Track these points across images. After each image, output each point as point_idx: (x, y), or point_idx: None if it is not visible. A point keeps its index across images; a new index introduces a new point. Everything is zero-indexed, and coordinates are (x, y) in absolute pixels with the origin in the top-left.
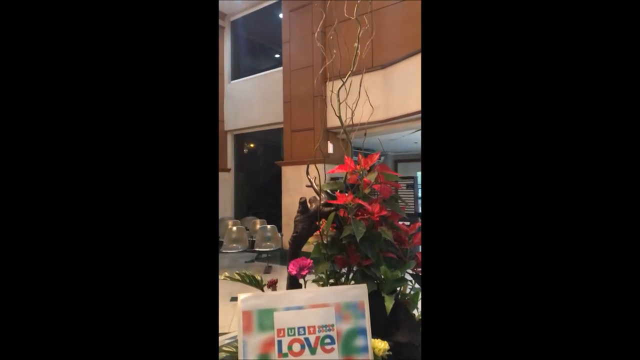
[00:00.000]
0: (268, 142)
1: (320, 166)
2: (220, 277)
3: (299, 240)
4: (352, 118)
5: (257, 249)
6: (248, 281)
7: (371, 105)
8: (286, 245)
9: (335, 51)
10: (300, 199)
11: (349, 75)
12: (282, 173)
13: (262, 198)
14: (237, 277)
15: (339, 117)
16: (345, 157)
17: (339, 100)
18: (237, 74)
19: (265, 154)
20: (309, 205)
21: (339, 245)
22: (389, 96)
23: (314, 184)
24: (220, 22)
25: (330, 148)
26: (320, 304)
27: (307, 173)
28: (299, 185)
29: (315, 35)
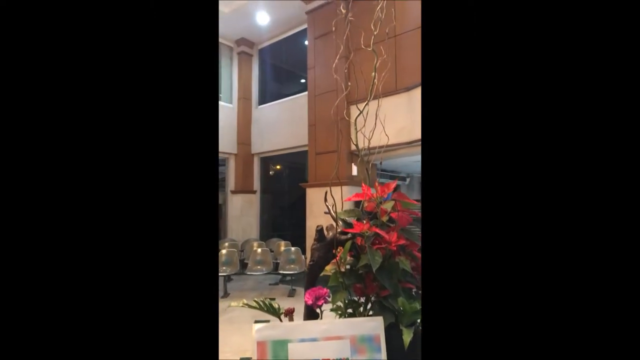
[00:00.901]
0: (293, 163)
1: (345, 188)
2: (239, 303)
3: (315, 268)
4: (369, 145)
5: (281, 272)
6: (266, 309)
7: (386, 134)
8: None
9: (351, 80)
10: (317, 227)
11: (366, 105)
12: (306, 195)
13: (286, 219)
14: (255, 304)
15: (356, 145)
16: (362, 185)
17: (356, 129)
18: (264, 99)
19: (291, 176)
20: (325, 233)
21: (356, 274)
22: (413, 118)
23: (331, 211)
24: (248, 50)
25: (354, 170)
26: (336, 337)
27: (325, 200)
28: (323, 207)
29: (336, 62)
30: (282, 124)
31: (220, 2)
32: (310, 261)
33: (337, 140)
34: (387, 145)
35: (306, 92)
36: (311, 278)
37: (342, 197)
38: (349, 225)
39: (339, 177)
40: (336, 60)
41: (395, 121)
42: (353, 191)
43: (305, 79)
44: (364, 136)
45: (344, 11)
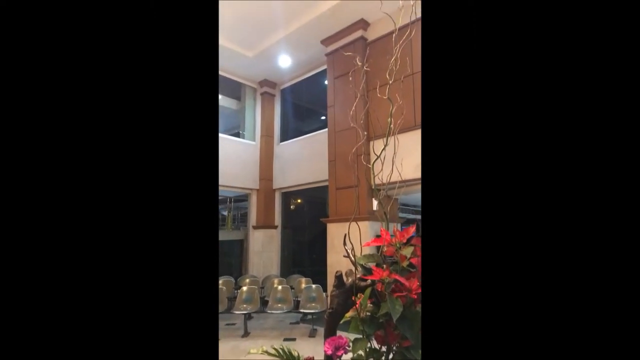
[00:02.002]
0: (314, 198)
1: (366, 223)
2: (259, 350)
3: (335, 316)
4: (389, 179)
5: (302, 310)
6: (285, 357)
7: (400, 173)
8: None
9: (370, 117)
10: (336, 272)
11: (383, 150)
12: (327, 230)
13: (307, 254)
14: (275, 351)
15: (374, 191)
16: (381, 229)
17: (373, 174)
18: (285, 136)
19: (311, 211)
20: (345, 278)
21: (377, 322)
22: None
23: (350, 256)
24: (271, 91)
25: (375, 205)
26: None
27: (344, 243)
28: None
29: (354, 109)
30: (303, 160)
31: (244, 47)
32: (329, 308)
33: (362, 174)
34: (406, 181)
35: (326, 129)
36: (331, 326)
37: (362, 235)
38: (368, 270)
39: (364, 212)
40: (353, 108)
41: (414, 156)
42: (374, 226)
43: (325, 116)
44: (382, 172)
45: (359, 63)
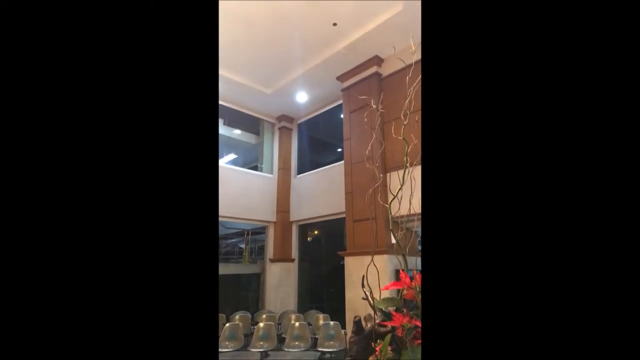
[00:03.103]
0: (331, 229)
1: (384, 257)
2: None
3: None
4: (409, 211)
5: (320, 349)
6: None
7: (415, 209)
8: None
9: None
10: (355, 317)
11: (400, 189)
12: (345, 264)
13: (325, 289)
14: None
15: (395, 238)
16: (401, 271)
17: (390, 212)
18: (302, 169)
19: (328, 243)
20: (364, 324)
21: None
22: None
23: (369, 298)
24: (288, 125)
25: (393, 238)
26: None
27: (363, 285)
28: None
29: (370, 148)
30: (319, 192)
31: (263, 85)
32: (347, 356)
33: (380, 207)
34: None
35: (342, 162)
36: None
37: (380, 271)
38: (387, 315)
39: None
40: (369, 147)
41: None
42: (393, 260)
43: (342, 148)
44: (400, 206)
45: (374, 106)
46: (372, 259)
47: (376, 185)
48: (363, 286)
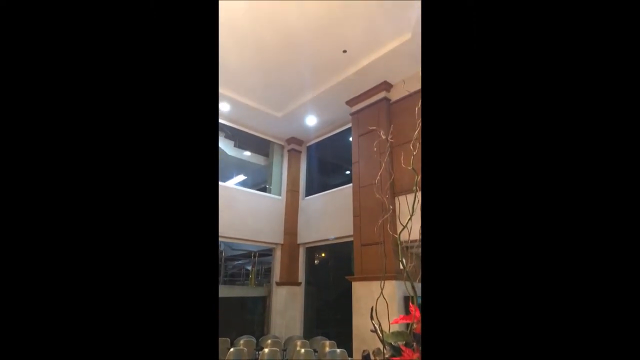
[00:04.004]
0: (338, 253)
1: (393, 282)
2: None
3: None
4: (413, 248)
5: None
6: None
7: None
8: None
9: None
10: (363, 352)
11: (409, 220)
12: (352, 289)
13: (331, 314)
14: None
15: (403, 266)
16: (410, 305)
17: (400, 244)
18: (311, 191)
19: (336, 267)
20: (372, 358)
21: None
22: None
23: (378, 332)
24: (298, 148)
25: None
26: None
27: (371, 317)
28: (370, 302)
29: (379, 178)
30: (327, 214)
31: (273, 108)
32: None
33: (388, 231)
34: None
35: (351, 184)
36: None
37: (389, 298)
38: (397, 350)
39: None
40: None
41: None
42: (402, 287)
43: (350, 170)
44: (410, 232)
45: (384, 136)
46: (381, 291)
47: (385, 216)
48: (372, 318)
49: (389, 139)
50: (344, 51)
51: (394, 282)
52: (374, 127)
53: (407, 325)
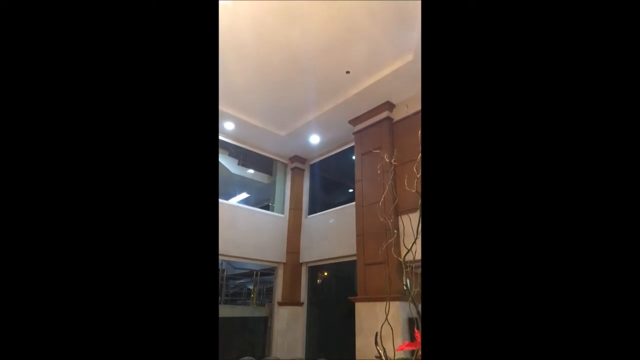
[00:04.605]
0: (341, 272)
1: (397, 303)
2: None
3: None
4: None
5: None
6: None
7: None
8: None
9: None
10: None
11: (413, 244)
12: (355, 310)
13: (334, 335)
14: None
15: (407, 287)
16: (416, 331)
17: (404, 267)
18: (314, 209)
19: (338, 286)
20: None
21: None
22: None
23: (382, 358)
24: (301, 166)
25: (407, 284)
26: None
27: (376, 343)
28: (373, 324)
29: (382, 201)
30: (330, 233)
31: (277, 127)
32: None
33: (391, 250)
34: None
35: (354, 203)
36: None
37: (394, 320)
38: None
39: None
40: (382, 200)
41: None
42: (406, 307)
43: (353, 189)
44: (415, 252)
45: (387, 160)
46: (386, 317)
47: (389, 241)
48: (377, 344)
49: (392, 162)
50: (347, 72)
51: (398, 303)
52: (378, 150)
53: (412, 352)
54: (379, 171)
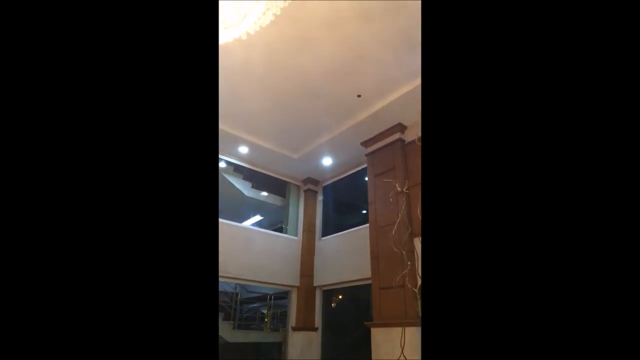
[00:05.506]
0: (356, 296)
1: (413, 329)
2: None
3: None
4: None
5: None
6: None
7: None
8: None
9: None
10: None
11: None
12: (371, 335)
13: None
14: None
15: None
16: None
17: (417, 294)
18: (327, 231)
19: (354, 310)
20: None
21: None
22: None
23: None
24: (314, 188)
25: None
26: None
27: None
28: (390, 351)
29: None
30: (344, 256)
31: (290, 150)
32: None
33: (407, 274)
34: None
35: (367, 225)
36: None
37: (410, 346)
38: None
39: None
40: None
41: None
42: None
43: (366, 210)
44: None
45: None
46: (402, 348)
47: (404, 272)
48: None
49: (404, 190)
50: (359, 95)
51: (414, 328)
52: (389, 177)
53: None
54: (391, 199)
